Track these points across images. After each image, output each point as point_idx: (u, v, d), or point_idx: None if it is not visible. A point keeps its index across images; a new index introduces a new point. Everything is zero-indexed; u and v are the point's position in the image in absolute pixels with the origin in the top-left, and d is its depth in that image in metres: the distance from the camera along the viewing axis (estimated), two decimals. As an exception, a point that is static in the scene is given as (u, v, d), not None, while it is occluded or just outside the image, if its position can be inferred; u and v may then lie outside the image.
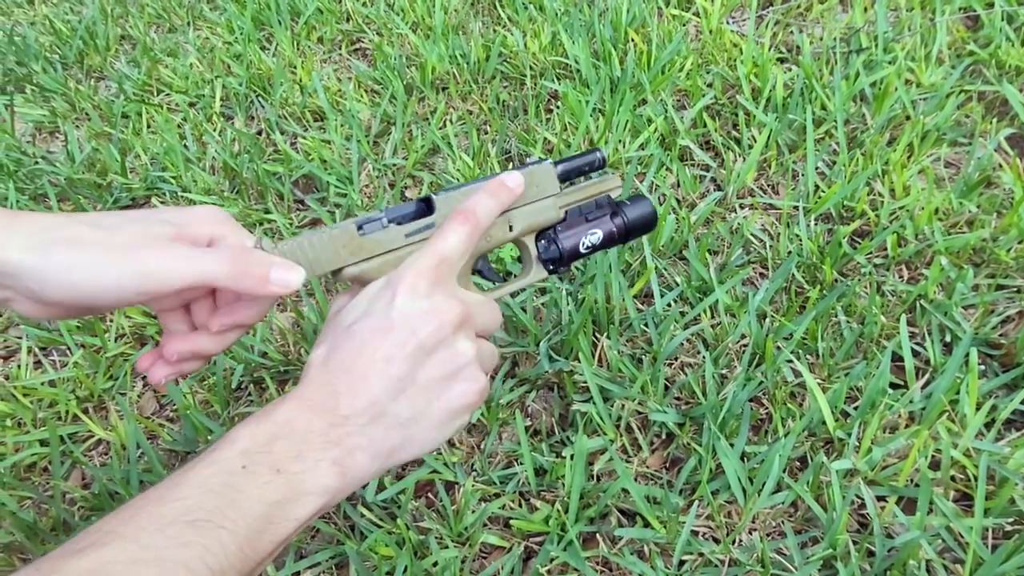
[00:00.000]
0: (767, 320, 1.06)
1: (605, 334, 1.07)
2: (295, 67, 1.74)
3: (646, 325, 1.08)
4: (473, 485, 0.93)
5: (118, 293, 0.46)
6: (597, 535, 0.89)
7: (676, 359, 1.06)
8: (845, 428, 0.92)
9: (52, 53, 1.99)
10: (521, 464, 0.95)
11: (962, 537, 0.83)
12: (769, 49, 1.50)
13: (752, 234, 1.19)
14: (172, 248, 0.48)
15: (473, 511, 0.92)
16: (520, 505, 0.93)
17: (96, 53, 1.94)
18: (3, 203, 1.44)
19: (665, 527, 0.87)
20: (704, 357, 1.02)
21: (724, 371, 1.02)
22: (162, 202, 1.46)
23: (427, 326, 0.50)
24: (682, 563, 0.85)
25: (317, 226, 1.36)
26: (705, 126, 1.39)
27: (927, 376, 0.98)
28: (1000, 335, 1.01)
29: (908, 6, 1.59)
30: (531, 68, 1.59)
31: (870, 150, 1.27)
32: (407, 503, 0.92)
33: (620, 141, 1.38)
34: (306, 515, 0.45)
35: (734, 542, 0.86)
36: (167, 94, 1.76)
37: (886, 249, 1.13)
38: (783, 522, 0.88)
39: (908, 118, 1.33)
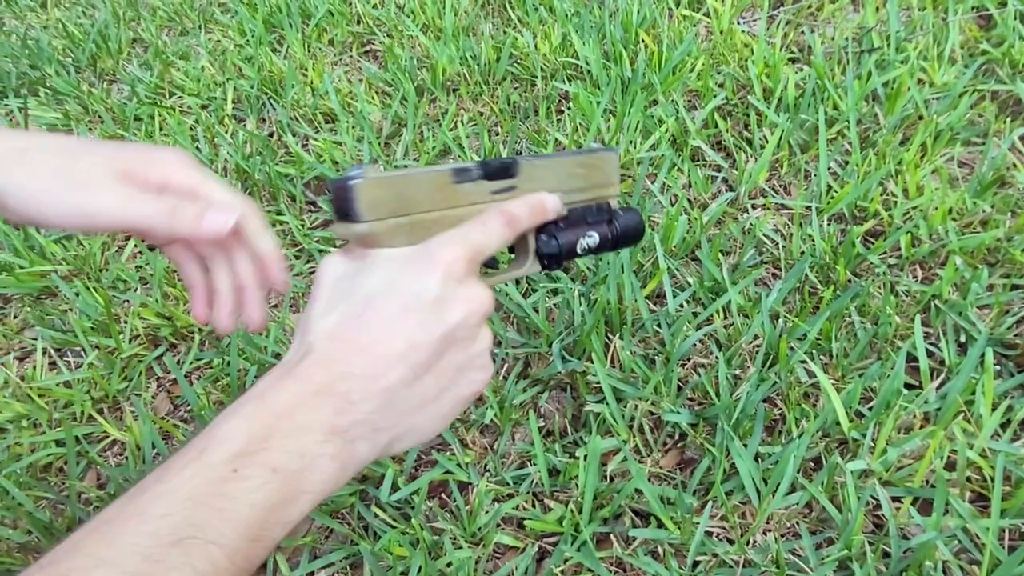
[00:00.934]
0: (780, 320, 1.06)
1: (618, 335, 1.07)
2: (306, 69, 1.75)
3: (659, 326, 1.08)
4: (487, 485, 0.93)
5: (62, 222, 0.50)
6: (611, 536, 0.89)
7: (689, 360, 1.05)
8: (860, 429, 0.92)
9: (65, 56, 2.00)
10: (534, 465, 0.95)
11: (978, 538, 0.82)
12: (780, 49, 1.50)
13: (764, 234, 1.19)
14: (117, 190, 0.50)
15: (487, 511, 0.92)
16: (534, 505, 0.93)
17: (109, 56, 1.95)
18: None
19: (679, 528, 0.86)
20: (717, 358, 1.02)
21: (737, 372, 1.02)
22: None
23: (458, 313, 0.46)
24: (696, 564, 0.85)
25: (330, 225, 1.36)
26: (716, 127, 1.39)
27: (942, 376, 0.98)
28: (1016, 335, 1.01)
29: (920, 5, 1.58)
30: (542, 69, 1.60)
31: (883, 150, 1.26)
32: (421, 503, 0.93)
33: (631, 142, 1.38)
34: (301, 515, 0.42)
35: (748, 543, 0.86)
36: (179, 97, 1.77)
37: (900, 249, 1.12)
38: (798, 523, 0.87)
39: (921, 118, 1.33)
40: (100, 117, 1.73)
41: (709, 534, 0.88)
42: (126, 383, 1.15)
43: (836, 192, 1.23)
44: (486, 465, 0.98)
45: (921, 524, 0.84)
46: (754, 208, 1.26)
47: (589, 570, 0.85)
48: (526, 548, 0.89)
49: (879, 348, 1.01)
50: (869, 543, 0.83)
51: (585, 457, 0.91)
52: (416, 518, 0.90)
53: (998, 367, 0.98)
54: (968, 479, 0.87)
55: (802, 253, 1.15)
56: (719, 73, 1.50)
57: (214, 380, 1.14)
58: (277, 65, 1.75)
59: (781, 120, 1.34)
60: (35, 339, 1.24)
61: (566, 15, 1.71)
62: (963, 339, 1.01)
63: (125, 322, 1.22)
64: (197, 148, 1.57)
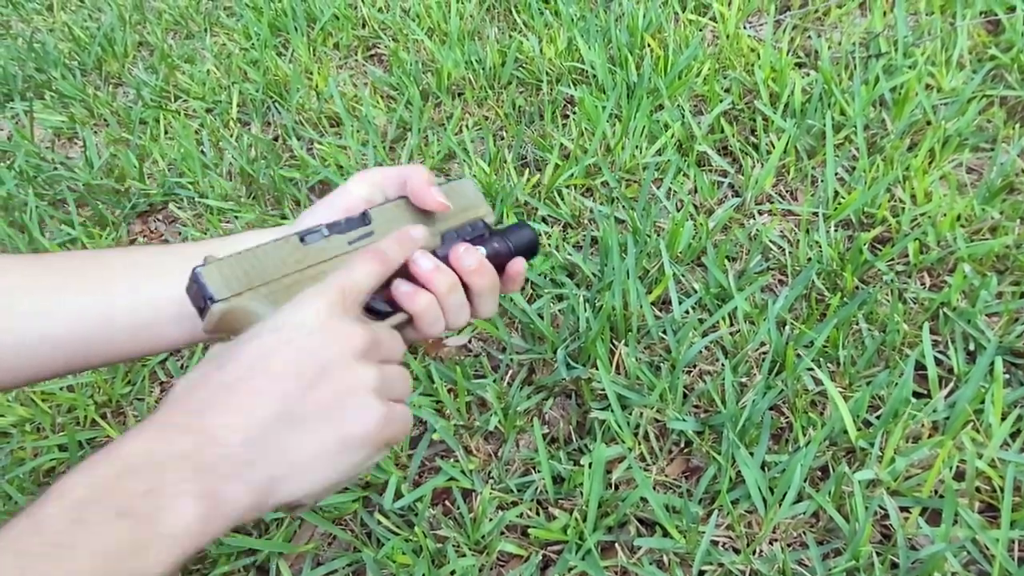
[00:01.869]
0: (787, 328, 1.05)
1: (623, 341, 1.06)
2: (311, 73, 1.75)
3: (664, 332, 1.07)
4: (491, 493, 0.93)
5: None
6: (616, 544, 0.88)
7: (695, 367, 1.05)
8: (867, 437, 0.91)
9: (71, 59, 2.00)
10: (539, 472, 0.95)
11: (988, 549, 0.81)
12: (787, 54, 1.50)
13: (771, 241, 1.18)
14: None
15: (490, 519, 0.91)
16: (538, 513, 0.93)
17: (114, 59, 1.95)
18: (23, 208, 1.46)
19: (685, 537, 0.86)
20: (723, 365, 1.01)
21: (744, 379, 1.01)
22: (179, 207, 1.47)
23: (328, 349, 0.45)
24: (702, 573, 0.85)
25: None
26: (723, 131, 1.38)
27: (951, 385, 0.97)
28: (1025, 343, 1.00)
29: (928, 10, 1.58)
30: (547, 74, 1.59)
31: (890, 156, 1.25)
32: (424, 511, 0.92)
33: (637, 147, 1.37)
34: (163, 567, 0.36)
35: (755, 552, 0.85)
36: (184, 100, 1.77)
37: (908, 256, 1.11)
38: (804, 532, 0.87)
39: (929, 123, 1.32)
40: (105, 120, 1.73)
41: (715, 543, 0.87)
42: (129, 387, 1.15)
43: (843, 198, 1.22)
44: (490, 472, 0.97)
45: (930, 535, 0.83)
46: (760, 214, 1.25)
47: (594, 579, 0.84)
48: (530, 556, 0.88)
49: (887, 356, 1.01)
50: (877, 554, 0.82)
51: (590, 465, 0.91)
52: (419, 525, 0.89)
53: (1007, 376, 0.97)
54: (977, 489, 0.86)
55: (809, 260, 1.14)
56: (725, 78, 1.50)
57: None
58: (282, 69, 1.75)
59: (788, 125, 1.33)
60: (39, 343, 1.24)
61: (572, 19, 1.71)
62: (972, 347, 1.01)
63: (129, 326, 1.22)
64: (202, 151, 1.57)
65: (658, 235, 1.21)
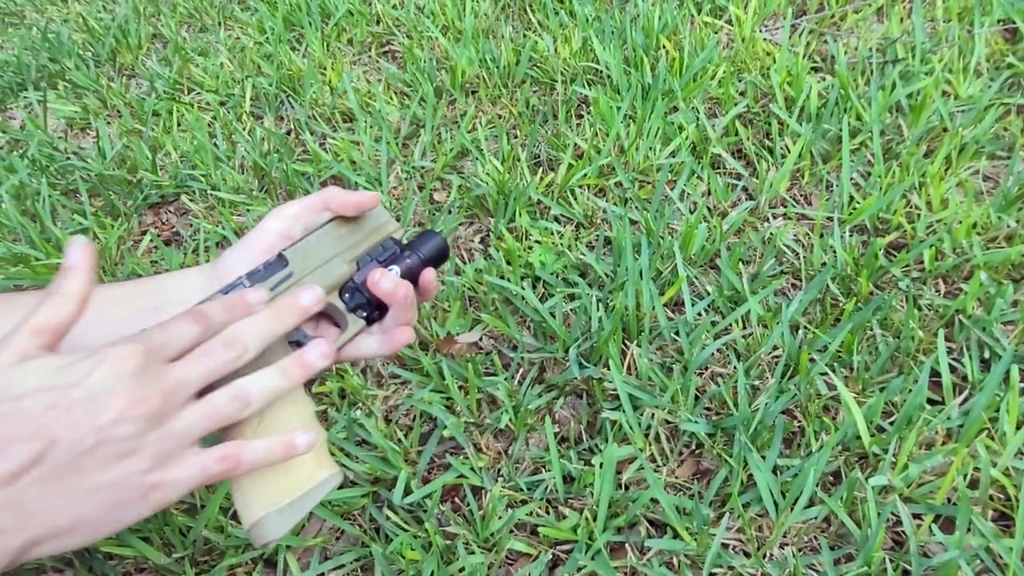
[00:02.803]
0: (800, 332, 1.05)
1: (635, 342, 1.06)
2: (325, 68, 1.75)
3: (677, 334, 1.06)
4: (500, 491, 0.92)
5: None
6: (626, 545, 0.88)
7: (707, 369, 1.04)
8: (881, 443, 0.90)
9: (85, 50, 2.00)
10: (549, 471, 0.94)
11: (1001, 558, 0.81)
12: (803, 58, 1.49)
13: (785, 244, 1.18)
14: None
15: (500, 517, 0.91)
16: (548, 512, 0.92)
17: (128, 51, 1.95)
18: (35, 197, 1.46)
19: (695, 539, 0.85)
20: (736, 368, 1.01)
21: (756, 382, 1.00)
22: (191, 199, 1.47)
23: (112, 409, 0.42)
24: (712, 576, 0.84)
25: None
26: (737, 134, 1.38)
27: (965, 393, 0.96)
28: (1040, 353, 0.99)
29: (945, 17, 1.57)
30: (561, 73, 1.59)
31: (906, 162, 1.25)
32: (434, 507, 0.92)
33: (651, 148, 1.37)
34: None
35: (765, 556, 0.85)
36: (198, 93, 1.77)
37: (923, 263, 1.11)
38: (816, 537, 0.86)
39: (945, 130, 1.31)
40: (119, 111, 1.73)
41: (725, 546, 0.87)
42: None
43: (858, 203, 1.21)
44: (500, 470, 0.97)
45: (943, 542, 0.82)
46: (775, 218, 1.24)
47: (603, 580, 0.84)
48: (539, 555, 0.88)
49: (901, 362, 1.00)
50: (889, 560, 0.82)
51: (601, 465, 0.90)
52: (429, 522, 0.89)
53: (1023, 385, 0.96)
54: (991, 498, 0.86)
55: (823, 264, 1.13)
56: (740, 81, 1.49)
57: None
58: (296, 63, 1.75)
59: (803, 129, 1.33)
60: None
61: (587, 19, 1.71)
62: (987, 355, 1.00)
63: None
64: (215, 144, 1.57)
65: (671, 236, 1.21)
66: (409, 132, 1.55)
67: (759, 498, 0.88)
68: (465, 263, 1.24)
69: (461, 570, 0.86)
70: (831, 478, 0.91)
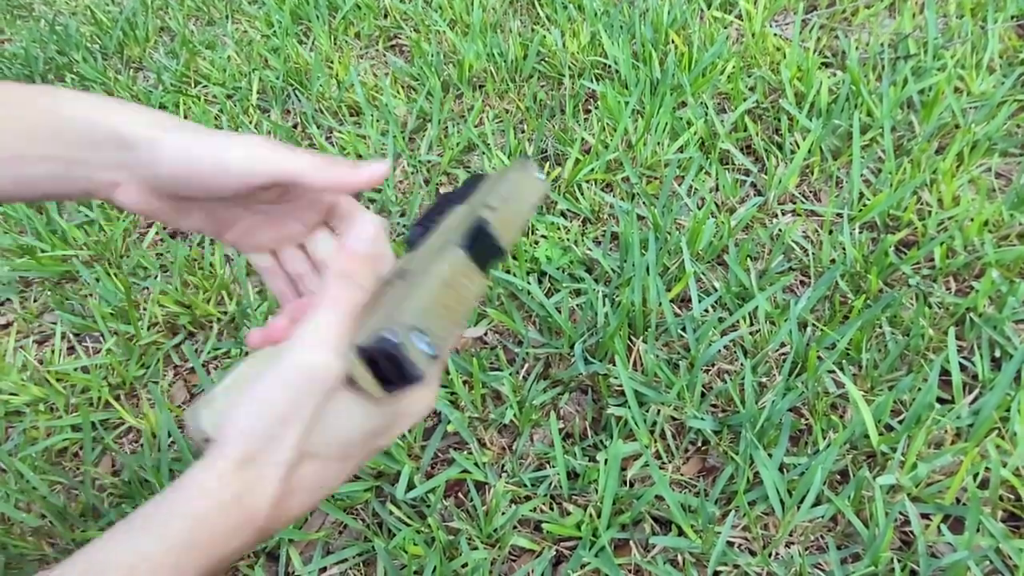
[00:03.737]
0: (808, 329, 1.04)
1: (641, 338, 1.05)
2: (332, 62, 1.74)
3: (683, 330, 1.05)
4: (504, 486, 0.92)
5: (227, 177, 0.45)
6: (630, 542, 0.87)
7: (713, 366, 1.03)
8: (889, 442, 0.89)
9: (93, 43, 2.00)
10: (553, 467, 0.94)
11: (1011, 559, 0.80)
12: (814, 53, 1.48)
13: (794, 241, 1.17)
14: (269, 144, 0.46)
15: (503, 513, 0.90)
16: (551, 508, 0.92)
17: (136, 44, 1.95)
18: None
19: (700, 537, 0.84)
20: (743, 365, 1.00)
21: (763, 379, 0.99)
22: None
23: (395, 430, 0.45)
24: (717, 574, 0.83)
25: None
26: (746, 130, 1.37)
27: (975, 392, 0.95)
28: (1052, 352, 0.98)
29: (958, 13, 1.55)
30: (569, 68, 1.58)
31: (918, 158, 1.23)
32: (437, 502, 0.91)
33: (659, 143, 1.36)
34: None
35: (771, 555, 0.84)
36: (205, 86, 1.76)
37: (934, 260, 1.10)
38: (823, 536, 0.85)
39: (958, 127, 1.30)
40: (126, 104, 1.73)
41: (731, 544, 0.86)
42: (143, 370, 1.15)
43: (868, 200, 1.20)
44: (504, 466, 0.96)
45: (952, 543, 0.81)
46: (784, 214, 1.23)
47: (607, 577, 0.83)
48: (543, 551, 0.87)
49: (910, 360, 0.99)
50: (897, 560, 0.81)
51: (605, 461, 0.90)
52: (432, 517, 0.88)
53: (1034, 384, 0.95)
54: (1001, 498, 0.85)
55: (832, 261, 1.12)
56: (750, 76, 1.48)
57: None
58: (303, 57, 1.75)
59: (813, 125, 1.31)
60: (54, 323, 1.24)
61: (595, 14, 1.69)
62: (998, 354, 0.99)
63: (144, 309, 1.21)
64: (221, 137, 1.56)
65: (679, 232, 1.20)
66: (416, 126, 1.54)
67: (765, 496, 0.87)
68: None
69: (464, 566, 0.86)
70: (838, 477, 0.90)
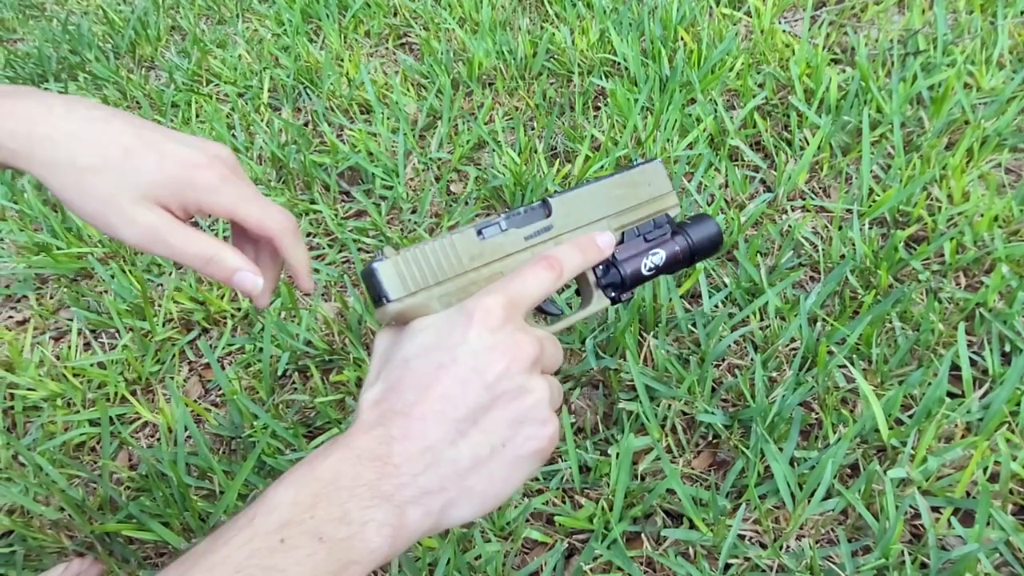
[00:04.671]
0: (819, 324, 1.04)
1: (652, 333, 1.05)
2: (342, 60, 1.75)
3: (693, 325, 1.06)
4: (517, 480, 0.93)
5: (94, 224, 0.53)
6: (642, 535, 0.88)
7: (724, 361, 1.04)
8: (899, 436, 0.90)
9: (105, 42, 2.02)
10: (565, 461, 0.95)
11: (1021, 552, 0.80)
12: (823, 50, 1.48)
13: (803, 237, 1.17)
14: (149, 216, 0.52)
15: (516, 506, 0.91)
16: (564, 502, 0.92)
17: (147, 43, 1.97)
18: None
19: (711, 530, 0.85)
20: (753, 360, 1.00)
21: (774, 374, 1.00)
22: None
23: (497, 364, 0.45)
24: (728, 566, 0.84)
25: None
26: (755, 126, 1.37)
27: (985, 386, 0.95)
28: (1062, 347, 0.98)
29: (968, 9, 1.55)
30: (579, 65, 1.59)
31: (927, 154, 1.24)
32: (450, 495, 0.92)
33: (668, 140, 1.36)
34: None
35: (782, 548, 0.85)
36: (216, 84, 1.78)
37: (944, 255, 1.10)
38: (833, 529, 0.86)
39: (967, 122, 1.30)
40: (138, 103, 1.74)
41: (742, 537, 0.87)
42: (159, 366, 1.16)
43: (878, 196, 1.20)
44: (516, 460, 0.97)
45: (963, 535, 0.82)
46: (793, 210, 1.24)
47: (619, 568, 0.84)
48: (555, 544, 0.88)
49: (920, 355, 0.99)
50: (908, 553, 0.81)
51: (617, 455, 0.90)
52: (445, 510, 0.89)
53: (1044, 378, 0.95)
54: (1011, 492, 0.85)
55: (842, 256, 1.13)
56: (759, 73, 1.48)
57: (246, 366, 1.14)
58: (314, 55, 1.76)
59: (823, 121, 1.32)
60: (71, 319, 1.26)
61: (604, 11, 1.70)
62: (1008, 349, 0.99)
63: (159, 305, 1.23)
64: (233, 135, 1.58)
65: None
66: (426, 123, 1.55)
67: (776, 490, 0.88)
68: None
69: (477, 558, 0.87)
70: (849, 471, 0.91)
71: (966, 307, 1.02)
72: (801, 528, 0.86)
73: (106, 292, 1.29)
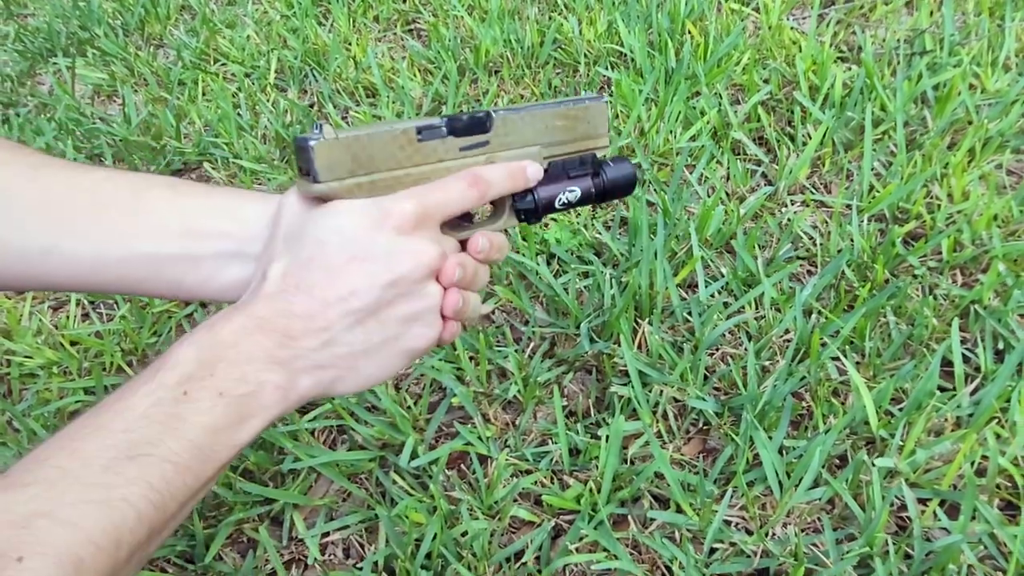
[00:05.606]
0: (813, 316, 1.05)
1: (647, 319, 1.06)
2: (350, 43, 1.76)
3: (689, 313, 1.06)
4: (506, 460, 0.93)
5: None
6: (628, 517, 0.88)
7: (718, 349, 1.04)
8: (889, 428, 0.90)
9: (114, 19, 2.03)
10: (555, 443, 0.95)
11: (1005, 546, 0.80)
12: (830, 47, 1.48)
13: (802, 230, 1.17)
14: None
15: (505, 485, 0.91)
16: (552, 482, 0.93)
17: (157, 21, 1.97)
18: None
19: (698, 514, 0.86)
20: (747, 349, 1.01)
21: (767, 363, 1.00)
22: (213, 167, 1.48)
23: (403, 266, 0.48)
24: (713, 550, 0.84)
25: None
26: (759, 121, 1.37)
27: (976, 382, 0.96)
28: (1056, 346, 0.98)
29: (976, 10, 1.55)
30: (585, 55, 1.59)
31: (929, 153, 1.24)
32: (439, 473, 0.92)
33: (671, 131, 1.36)
34: (248, 439, 0.44)
35: (768, 534, 0.85)
36: (223, 64, 1.78)
37: (941, 253, 1.10)
38: (819, 517, 0.86)
39: (971, 123, 1.30)
40: (145, 80, 1.75)
41: (728, 523, 0.87)
42: (155, 338, 1.17)
43: (878, 192, 1.20)
44: (507, 440, 0.97)
45: (948, 527, 0.82)
46: (793, 204, 1.24)
47: (605, 549, 0.85)
48: (542, 523, 0.89)
49: (913, 350, 1.00)
50: (892, 542, 0.81)
51: (607, 438, 0.91)
52: (434, 486, 0.90)
53: (1036, 376, 0.95)
54: (998, 486, 0.85)
55: (840, 251, 1.13)
56: (765, 68, 1.48)
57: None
58: (322, 38, 1.76)
59: (826, 117, 1.32)
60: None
61: (613, 2, 1.70)
62: (1001, 346, 0.99)
63: (158, 278, 1.23)
64: (238, 114, 1.58)
65: (688, 218, 1.21)
66: (431, 108, 1.55)
67: (764, 477, 0.88)
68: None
69: (464, 534, 0.87)
70: (837, 461, 0.91)
71: (961, 304, 1.02)
72: (787, 515, 0.87)
73: (106, 264, 1.29)
